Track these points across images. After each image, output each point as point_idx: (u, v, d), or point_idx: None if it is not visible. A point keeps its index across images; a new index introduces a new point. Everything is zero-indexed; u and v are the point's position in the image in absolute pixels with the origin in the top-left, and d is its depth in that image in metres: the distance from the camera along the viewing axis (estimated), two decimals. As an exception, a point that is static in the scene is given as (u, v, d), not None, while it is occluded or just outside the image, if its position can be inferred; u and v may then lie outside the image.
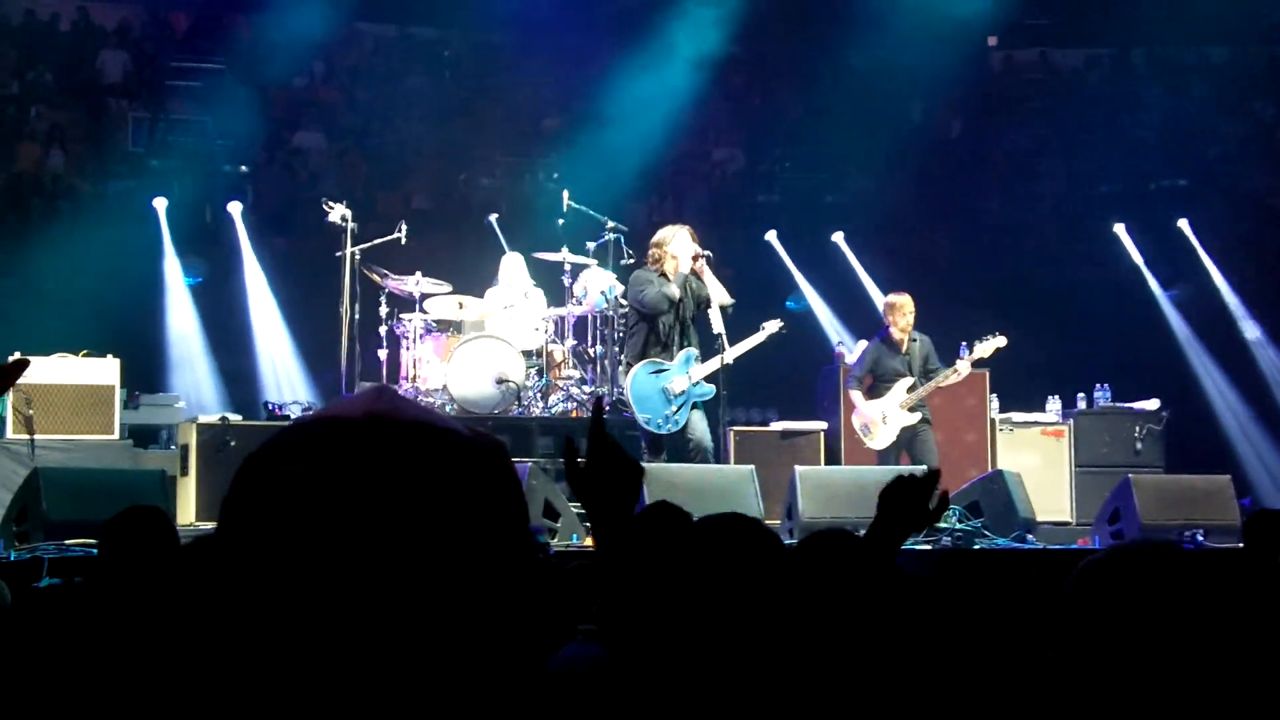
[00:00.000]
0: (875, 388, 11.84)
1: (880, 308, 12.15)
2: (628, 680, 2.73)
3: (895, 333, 11.85)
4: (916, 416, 11.74)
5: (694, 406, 10.91)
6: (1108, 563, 2.16)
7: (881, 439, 11.71)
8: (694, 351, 10.85)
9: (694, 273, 10.92)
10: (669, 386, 10.73)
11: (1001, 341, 11.70)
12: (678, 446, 10.90)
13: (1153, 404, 13.53)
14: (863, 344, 13.65)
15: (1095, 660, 2.08)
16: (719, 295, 10.87)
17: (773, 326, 11.16)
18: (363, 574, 1.32)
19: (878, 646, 3.10)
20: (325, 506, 1.33)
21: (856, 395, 11.88)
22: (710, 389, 10.92)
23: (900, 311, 11.82)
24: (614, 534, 2.92)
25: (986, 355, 11.77)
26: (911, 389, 11.72)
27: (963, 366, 11.78)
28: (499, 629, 1.37)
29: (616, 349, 11.66)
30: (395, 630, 1.32)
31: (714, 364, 10.82)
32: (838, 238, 16.38)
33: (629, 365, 10.96)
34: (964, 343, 12.35)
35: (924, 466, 10.63)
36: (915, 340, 11.88)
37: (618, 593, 2.87)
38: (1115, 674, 2.06)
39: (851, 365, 12.33)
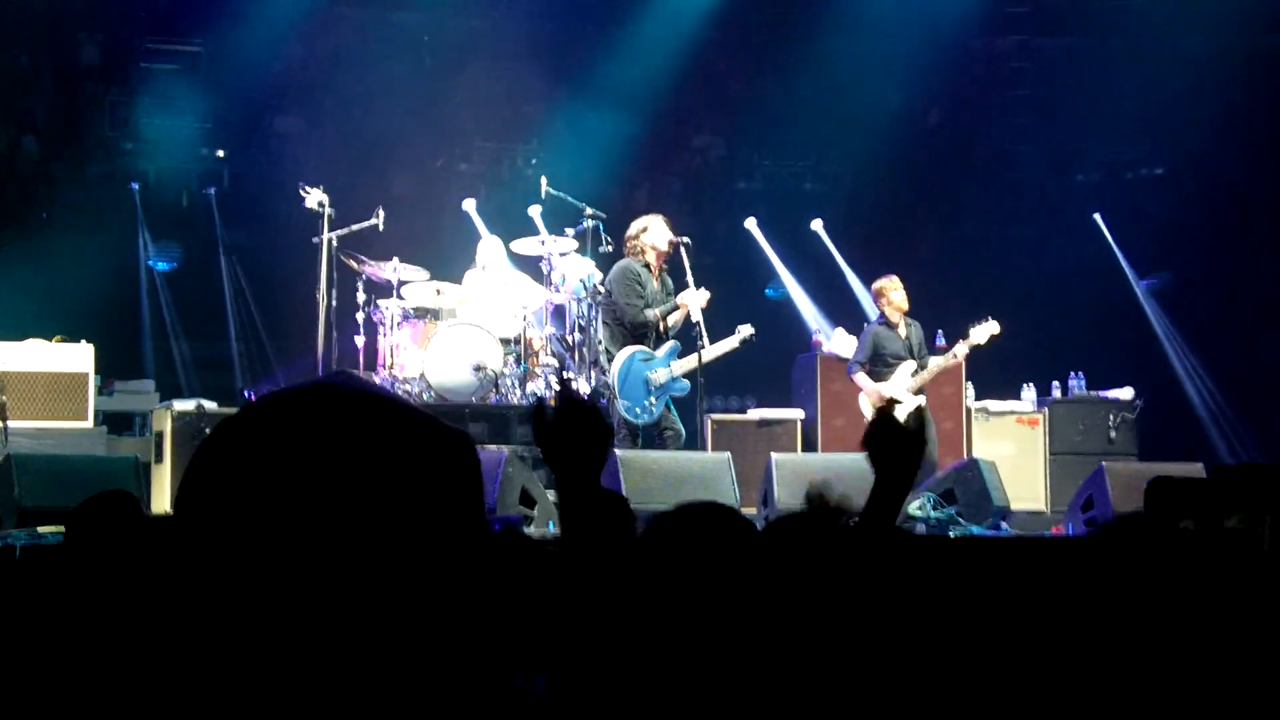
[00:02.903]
0: (875, 373, 11.82)
1: (870, 293, 12.17)
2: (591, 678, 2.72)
3: (891, 314, 11.88)
4: (921, 399, 11.75)
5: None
6: (1089, 544, 2.16)
7: None
8: (678, 345, 10.97)
9: (673, 256, 10.99)
10: (652, 377, 10.81)
11: (995, 327, 11.73)
12: (650, 437, 10.98)
13: (1127, 392, 13.59)
14: (839, 331, 13.66)
15: (1075, 638, 2.08)
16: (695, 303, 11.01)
17: (745, 331, 11.24)
18: (315, 541, 1.31)
19: (855, 632, 3.09)
20: (275, 478, 1.33)
21: (862, 377, 11.84)
22: (686, 384, 11.03)
23: (891, 290, 11.87)
24: (579, 493, 2.91)
25: (983, 341, 11.79)
26: (915, 372, 11.74)
27: (961, 350, 11.82)
28: (449, 604, 1.36)
29: (595, 335, 11.65)
30: (346, 603, 1.31)
31: (691, 361, 10.91)
32: (817, 226, 16.38)
33: (611, 352, 11.02)
34: (940, 330, 12.37)
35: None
36: (910, 325, 11.93)
37: (581, 563, 2.86)
38: (1093, 649, 2.06)
39: (854, 352, 12.29)
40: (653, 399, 10.85)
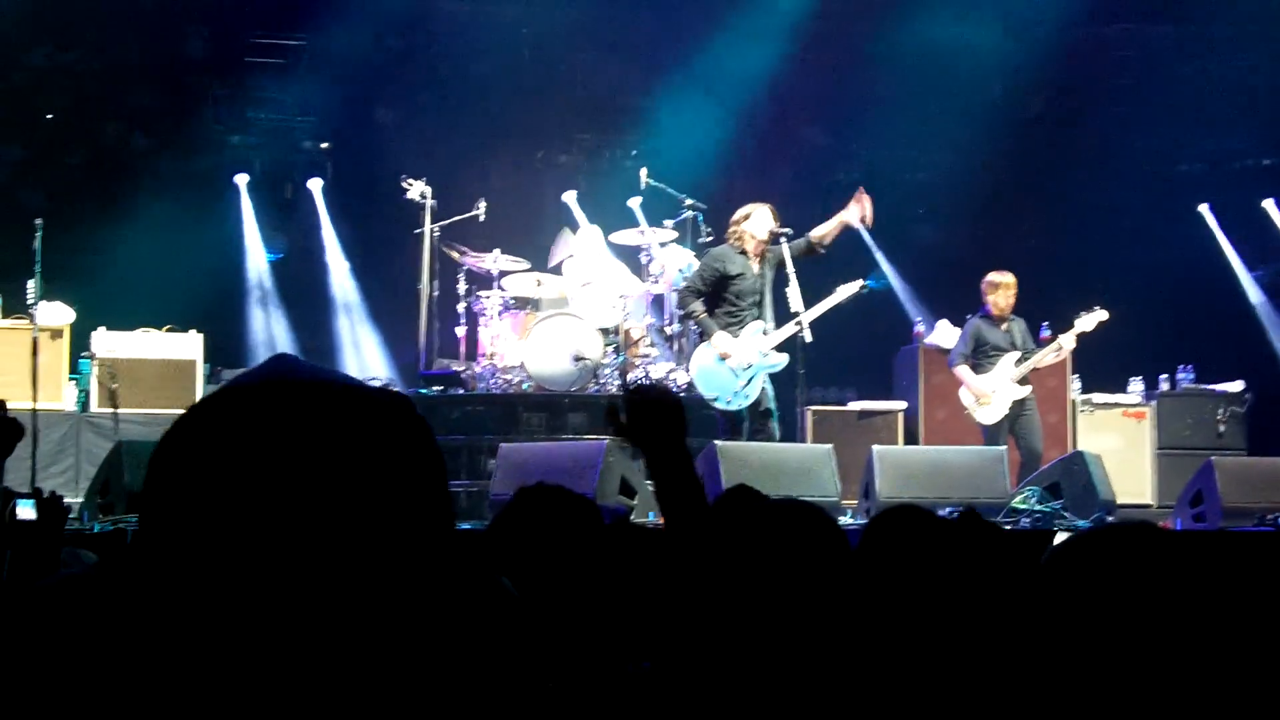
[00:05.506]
0: (977, 365, 11.62)
1: (981, 285, 11.89)
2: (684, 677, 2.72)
3: (994, 310, 11.67)
4: (1027, 390, 11.55)
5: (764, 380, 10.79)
6: (1085, 541, 2.14)
7: (992, 413, 11.46)
8: (763, 325, 10.73)
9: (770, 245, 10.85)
10: (735, 360, 10.61)
11: (1103, 315, 11.50)
12: (751, 432, 10.75)
13: (1236, 385, 13.38)
14: (942, 323, 13.54)
15: (1069, 639, 2.05)
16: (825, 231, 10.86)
17: (850, 288, 10.98)
18: (278, 532, 1.31)
19: (957, 626, 3.07)
20: (232, 475, 1.33)
21: (964, 370, 11.61)
22: (782, 360, 10.76)
23: (1003, 290, 11.66)
24: (669, 470, 2.95)
25: (1089, 329, 11.56)
26: (1018, 362, 11.52)
27: (1067, 341, 11.59)
28: (412, 576, 1.35)
29: (693, 325, 11.62)
30: (313, 588, 1.31)
31: (786, 331, 10.68)
32: (921, 216, 16.27)
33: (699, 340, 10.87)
34: (1044, 322, 12.21)
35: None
36: (1013, 320, 11.73)
37: (685, 538, 2.87)
38: (1088, 653, 2.04)
39: (955, 344, 12.08)
40: (741, 381, 10.64)
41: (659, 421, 3.03)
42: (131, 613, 1.37)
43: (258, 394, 1.39)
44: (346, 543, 1.33)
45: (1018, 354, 11.56)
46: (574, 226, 13.61)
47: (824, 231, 11.00)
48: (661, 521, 9.14)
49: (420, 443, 1.40)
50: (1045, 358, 11.66)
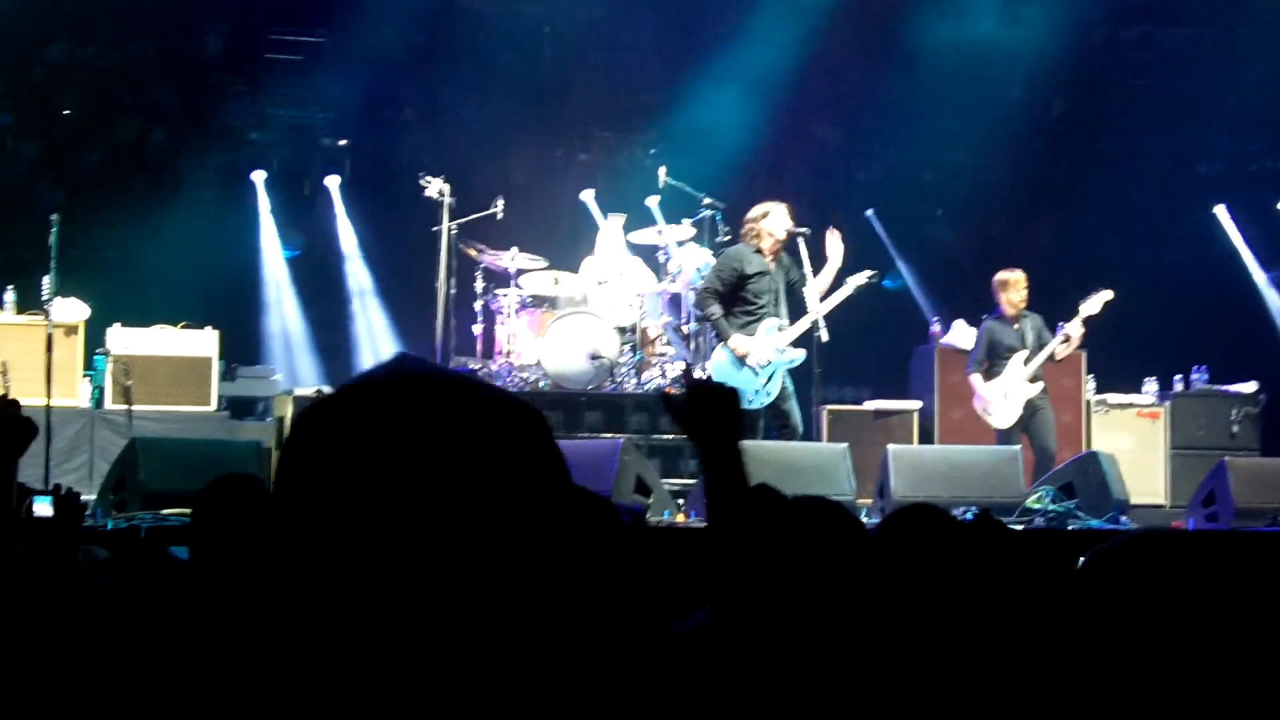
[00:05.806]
0: (993, 367, 11.59)
1: (992, 285, 11.86)
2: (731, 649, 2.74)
3: (1008, 309, 11.63)
4: (1039, 387, 11.50)
5: (784, 378, 10.78)
6: (1117, 550, 2.15)
7: (1006, 417, 11.42)
8: (778, 321, 10.73)
9: (790, 247, 10.86)
10: (752, 361, 10.62)
11: (1108, 294, 11.44)
12: (768, 429, 10.77)
13: (1250, 386, 13.36)
14: (958, 323, 13.51)
15: (1102, 645, 2.06)
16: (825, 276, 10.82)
17: (860, 279, 10.98)
18: (420, 522, 1.32)
19: (965, 621, 3.08)
20: (376, 466, 1.33)
21: (976, 379, 11.57)
22: (800, 355, 10.76)
23: (1014, 287, 11.62)
24: (721, 461, 2.99)
25: (1096, 311, 11.50)
26: (1027, 360, 11.47)
27: (1073, 328, 11.52)
28: (544, 582, 1.36)
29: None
30: (447, 581, 1.32)
31: (801, 326, 10.68)
32: (938, 216, 16.26)
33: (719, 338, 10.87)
34: (1060, 322, 12.19)
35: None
36: (1027, 316, 11.68)
37: (727, 535, 2.89)
38: (1121, 658, 2.04)
39: (970, 352, 12.03)
40: (762, 379, 10.64)
41: (717, 416, 3.08)
42: (251, 607, 1.37)
43: (396, 387, 1.39)
44: (478, 545, 1.33)
45: (1026, 354, 11.52)
46: (595, 225, 13.63)
47: (830, 292, 10.91)
48: (678, 520, 9.16)
49: (544, 446, 1.41)
50: (1055, 349, 11.62)
